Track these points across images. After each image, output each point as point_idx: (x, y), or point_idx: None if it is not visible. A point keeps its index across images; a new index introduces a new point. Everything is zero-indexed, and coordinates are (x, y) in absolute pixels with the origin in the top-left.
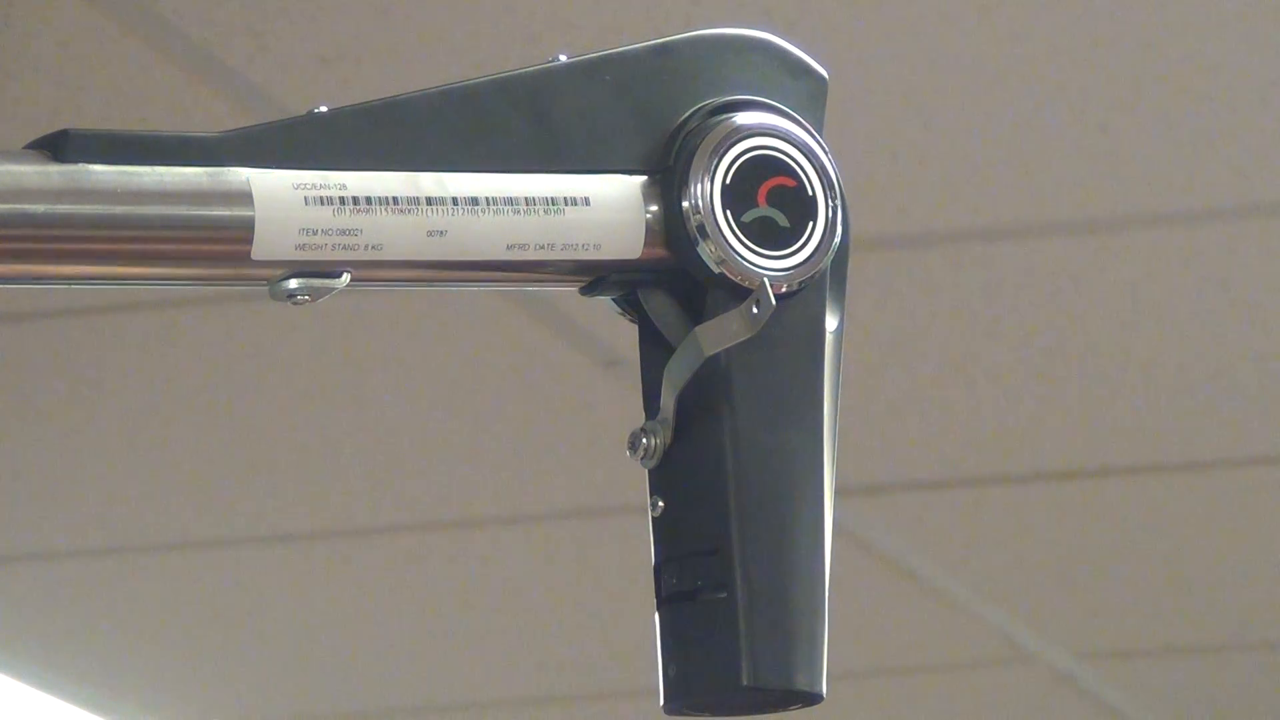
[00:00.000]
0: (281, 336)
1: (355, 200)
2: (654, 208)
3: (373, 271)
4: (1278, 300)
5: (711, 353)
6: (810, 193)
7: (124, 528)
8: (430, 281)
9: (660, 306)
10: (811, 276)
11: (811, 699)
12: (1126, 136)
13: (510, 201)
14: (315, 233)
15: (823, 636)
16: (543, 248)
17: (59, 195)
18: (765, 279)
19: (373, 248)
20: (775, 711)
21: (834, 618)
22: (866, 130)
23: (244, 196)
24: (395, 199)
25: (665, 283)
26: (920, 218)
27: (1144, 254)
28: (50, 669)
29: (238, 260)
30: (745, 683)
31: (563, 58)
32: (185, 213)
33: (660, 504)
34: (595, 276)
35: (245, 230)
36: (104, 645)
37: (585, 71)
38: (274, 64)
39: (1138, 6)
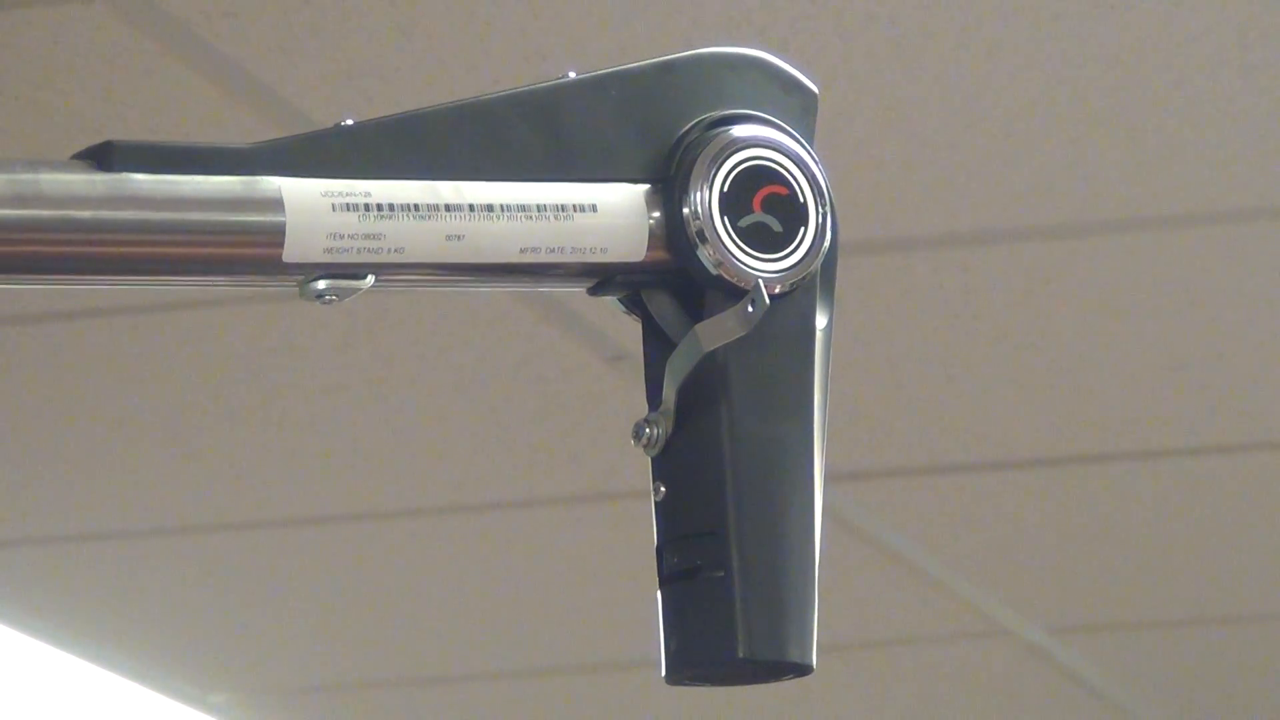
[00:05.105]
0: (310, 334)
1: (379, 207)
2: (656, 214)
3: (395, 273)
4: (1235, 300)
5: (710, 349)
6: (801, 200)
7: (162, 511)
8: (449, 282)
9: (662, 305)
10: (803, 278)
11: (802, 670)
12: (1096, 148)
13: (523, 208)
14: (342, 237)
15: (813, 612)
16: (553, 251)
17: (104, 202)
18: (760, 280)
19: (395, 251)
20: (769, 681)
21: (823, 595)
22: (854, 142)
23: (276, 204)
24: (416, 206)
25: (667, 283)
26: (904, 224)
27: (1112, 257)
28: (94, 640)
29: (270, 263)
30: (741, 655)
31: (572, 74)
32: (221, 219)
33: (662, 489)
34: (602, 278)
35: (277, 235)
36: (144, 618)
37: (593, 87)
38: (303, 80)
39: (1107, 28)
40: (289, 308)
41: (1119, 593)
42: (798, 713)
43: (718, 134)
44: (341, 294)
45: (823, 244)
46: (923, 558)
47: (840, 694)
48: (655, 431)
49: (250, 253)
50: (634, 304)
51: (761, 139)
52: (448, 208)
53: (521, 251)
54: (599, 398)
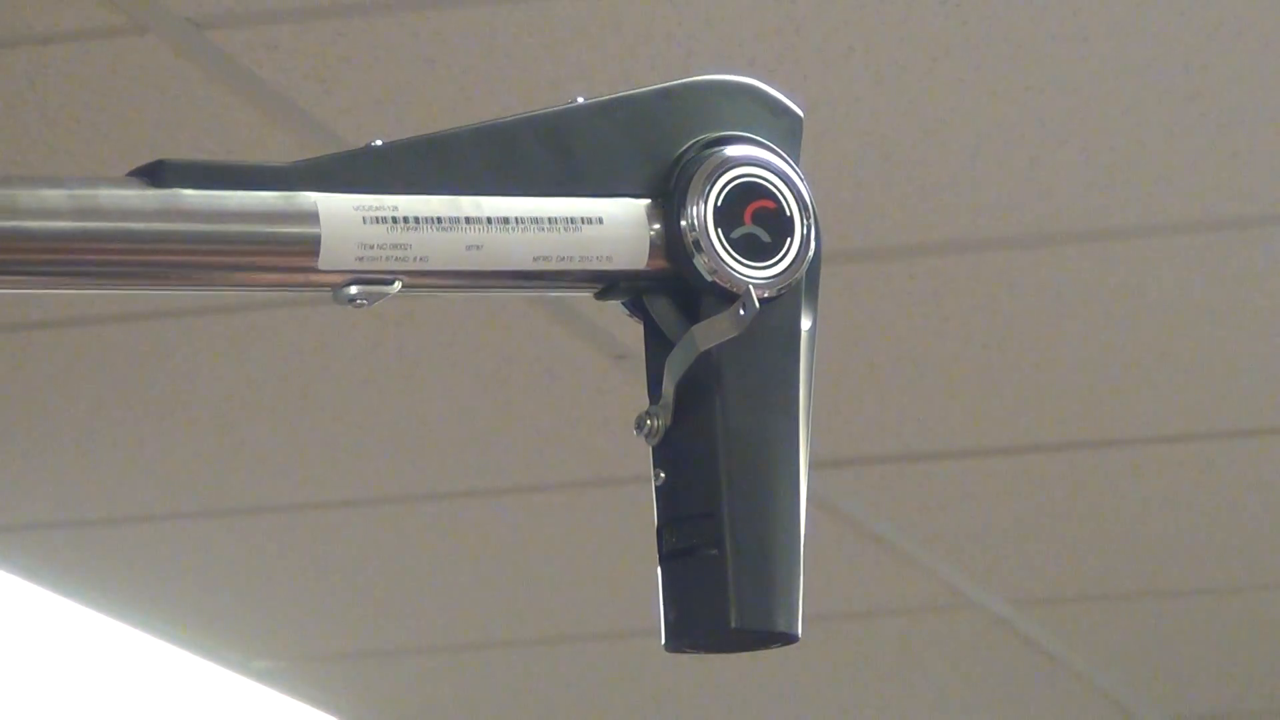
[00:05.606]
0: (343, 334)
1: (406, 219)
2: (657, 226)
3: (420, 279)
4: (1180, 304)
5: (705, 348)
6: (788, 213)
7: (211, 495)
8: (469, 288)
9: (662, 309)
10: (789, 284)
11: (789, 639)
12: (1053, 167)
13: (536, 221)
14: (372, 247)
15: (798, 586)
16: (563, 259)
17: (156, 215)
18: (750, 286)
19: (420, 259)
20: (758, 649)
21: (807, 570)
22: (836, 160)
23: (312, 216)
24: (439, 218)
25: (666, 289)
26: (880, 235)
27: (1068, 265)
28: (147, 611)
29: (306, 270)
30: (733, 625)
31: (580, 99)
32: (263, 230)
33: (662, 475)
34: (607, 284)
35: (313, 245)
36: (194, 592)
37: (599, 111)
38: (338, 105)
39: (1064, 59)
40: (324, 311)
41: (1076, 568)
42: (784, 676)
43: (712, 153)
44: (371, 298)
45: (807, 253)
46: (897, 537)
47: (823, 660)
48: (655, 423)
49: (289, 261)
50: (636, 307)
51: (752, 158)
52: (468, 220)
53: (535, 260)
54: (604, 392)
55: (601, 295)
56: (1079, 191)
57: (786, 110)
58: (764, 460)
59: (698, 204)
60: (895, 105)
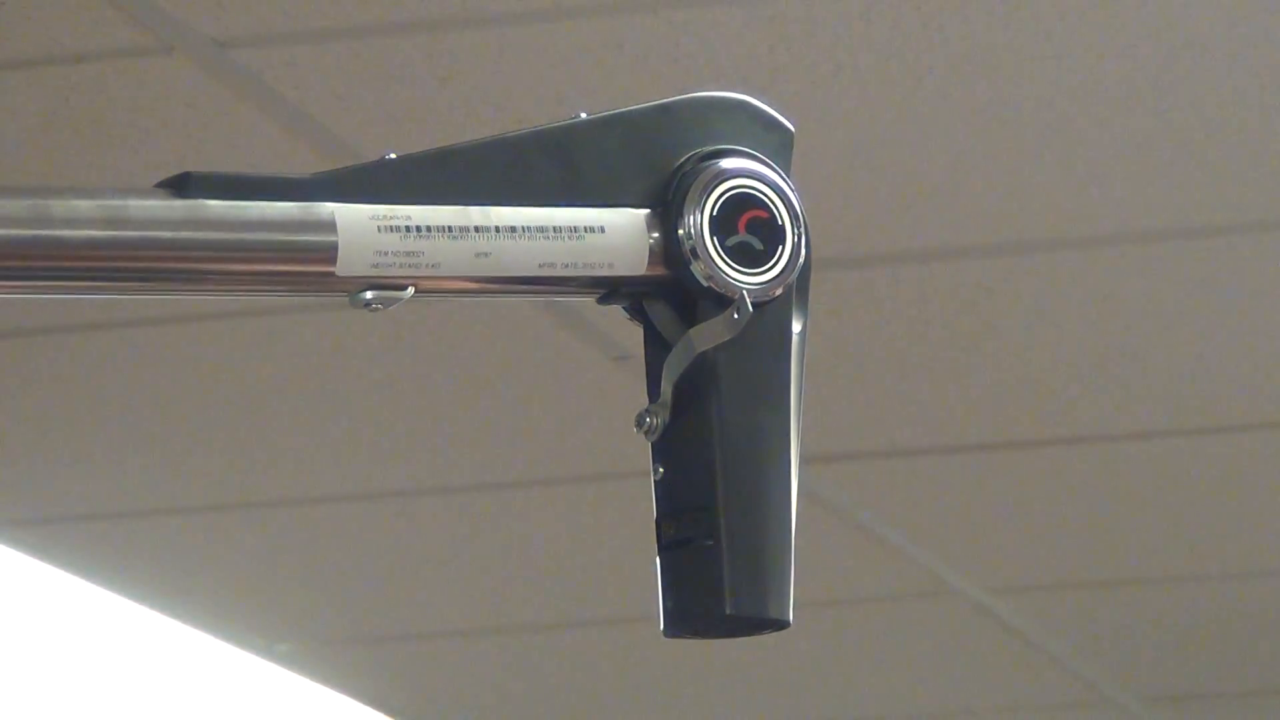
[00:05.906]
0: (359, 337)
1: (418, 228)
2: (656, 234)
3: (432, 285)
4: (1150, 308)
5: (701, 350)
6: (780, 223)
7: (235, 488)
8: (477, 293)
9: (661, 313)
10: (781, 290)
11: (781, 625)
12: (1028, 179)
13: (541, 229)
14: (386, 254)
15: (790, 575)
16: (567, 266)
17: (182, 224)
18: (744, 291)
19: (432, 266)
20: (752, 635)
21: (798, 560)
22: (824, 173)
23: (330, 225)
24: (450, 227)
25: (665, 294)
26: (867, 243)
27: (1043, 272)
28: (174, 598)
29: (324, 277)
30: (728, 612)
31: (584, 114)
32: (283, 238)
33: (660, 470)
34: (609, 289)
35: (330, 252)
36: (219, 579)
37: (602, 125)
38: (354, 120)
39: (1038, 76)
40: (341, 315)
41: (1051, 557)
42: (776, 660)
43: (708, 166)
44: (385, 303)
45: (798, 260)
46: (882, 528)
47: (812, 644)
48: (654, 420)
49: (307, 268)
50: (636, 311)
51: (746, 170)
52: (477, 229)
53: (540, 267)
54: (606, 392)
55: (603, 300)
56: (1054, 202)
57: (778, 125)
58: (757, 455)
59: (694, 214)
60: (881, 120)
